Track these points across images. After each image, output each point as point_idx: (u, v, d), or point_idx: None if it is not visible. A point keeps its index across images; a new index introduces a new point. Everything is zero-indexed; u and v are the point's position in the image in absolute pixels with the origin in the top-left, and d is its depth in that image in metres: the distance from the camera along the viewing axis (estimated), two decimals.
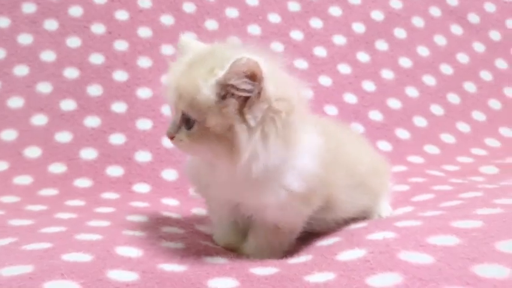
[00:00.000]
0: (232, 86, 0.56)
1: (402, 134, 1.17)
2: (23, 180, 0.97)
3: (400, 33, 1.32)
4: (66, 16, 1.18)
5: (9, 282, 0.48)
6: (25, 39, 1.15)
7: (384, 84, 1.25)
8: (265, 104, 0.57)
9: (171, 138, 0.61)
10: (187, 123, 0.60)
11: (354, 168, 0.71)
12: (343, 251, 0.58)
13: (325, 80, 1.22)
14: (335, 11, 1.31)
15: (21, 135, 1.03)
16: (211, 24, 1.24)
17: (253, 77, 0.56)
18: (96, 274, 0.51)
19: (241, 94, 0.56)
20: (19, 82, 1.10)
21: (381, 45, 1.30)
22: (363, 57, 1.27)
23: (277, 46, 1.24)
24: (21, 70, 1.11)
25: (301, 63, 1.23)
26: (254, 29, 1.25)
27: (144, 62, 1.17)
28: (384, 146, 1.14)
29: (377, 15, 1.32)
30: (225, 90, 0.57)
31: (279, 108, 0.58)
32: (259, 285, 0.52)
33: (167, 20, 1.23)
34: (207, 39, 1.18)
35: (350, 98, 1.21)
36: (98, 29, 1.19)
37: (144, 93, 1.12)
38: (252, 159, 0.58)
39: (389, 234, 0.61)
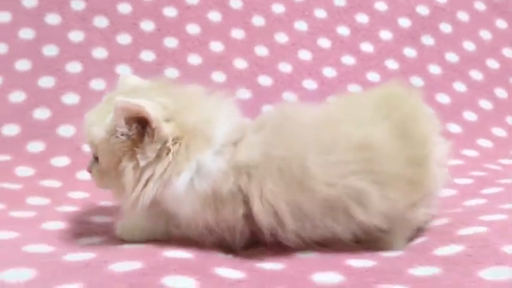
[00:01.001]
0: (116, 128, 0.59)
1: (454, 128, 1.17)
2: None
3: (445, 27, 1.31)
4: (115, 13, 1.19)
5: (127, 278, 0.48)
6: (76, 36, 1.16)
7: (432, 79, 1.25)
8: (159, 143, 0.59)
9: (90, 172, 0.66)
10: (95, 159, 0.64)
11: (320, 190, 0.59)
12: (438, 247, 0.58)
13: (373, 76, 1.22)
14: (380, 5, 1.30)
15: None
16: (258, 21, 1.24)
17: (133, 120, 0.58)
18: (205, 270, 0.51)
19: (121, 137, 0.59)
20: (73, 79, 1.10)
21: (427, 40, 1.29)
22: (409, 52, 1.27)
23: (324, 42, 1.24)
24: (74, 67, 1.11)
25: (349, 59, 1.23)
26: (301, 25, 1.25)
27: (194, 59, 1.17)
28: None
29: (422, 10, 1.32)
30: (113, 131, 0.59)
31: (173, 146, 0.60)
32: (362, 278, 0.52)
33: (215, 16, 1.23)
34: (254, 35, 1.21)
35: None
36: (147, 26, 1.19)
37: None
38: (139, 196, 0.59)
39: (480, 229, 0.61)
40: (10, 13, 1.14)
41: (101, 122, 0.61)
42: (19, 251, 0.58)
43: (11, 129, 1.02)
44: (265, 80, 1.17)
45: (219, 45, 1.19)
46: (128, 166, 0.59)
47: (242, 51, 1.19)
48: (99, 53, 1.14)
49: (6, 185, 0.86)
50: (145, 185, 0.59)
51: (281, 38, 1.23)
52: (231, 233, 0.61)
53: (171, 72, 1.14)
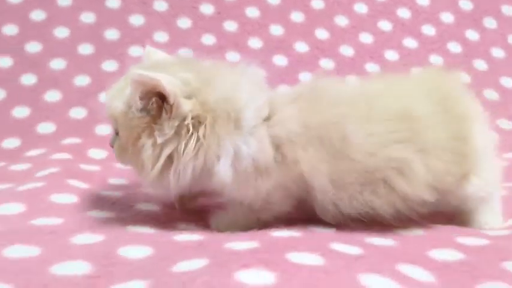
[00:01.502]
0: (134, 102, 0.57)
1: None
2: None
3: (507, 10, 1.28)
4: None
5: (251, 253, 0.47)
6: (137, 20, 1.15)
7: (496, 62, 1.21)
8: (177, 120, 0.57)
9: (112, 146, 0.64)
10: (116, 134, 0.62)
11: (361, 159, 0.58)
12: None
13: (436, 59, 1.19)
14: None
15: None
16: (317, 4, 1.21)
17: (152, 94, 0.56)
18: (324, 246, 0.50)
19: (138, 111, 0.57)
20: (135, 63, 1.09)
21: (489, 22, 1.26)
22: (472, 35, 1.24)
23: (385, 25, 1.22)
24: (135, 51, 1.11)
25: (411, 42, 1.20)
26: (360, 8, 1.23)
27: (255, 43, 1.16)
28: (504, 124, 1.11)
29: None
30: (131, 105, 0.57)
31: (194, 124, 0.57)
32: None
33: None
34: (314, 18, 1.19)
35: (463, 78, 1.18)
36: (207, 9, 1.18)
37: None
38: (162, 175, 0.58)
39: None
40: None
41: (120, 95, 0.59)
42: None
43: (79, 112, 1.03)
44: (327, 63, 1.14)
45: (279, 29, 1.17)
46: (147, 143, 0.57)
47: (302, 34, 1.17)
48: (160, 36, 1.13)
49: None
50: (171, 163, 0.57)
51: (341, 21, 1.20)
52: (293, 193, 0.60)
53: (232, 56, 1.13)
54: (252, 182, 0.59)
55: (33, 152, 0.92)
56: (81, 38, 1.11)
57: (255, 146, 0.58)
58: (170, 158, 0.58)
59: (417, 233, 0.60)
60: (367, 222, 0.60)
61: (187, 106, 0.57)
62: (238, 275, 0.42)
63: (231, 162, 0.58)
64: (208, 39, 1.14)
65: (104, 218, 0.61)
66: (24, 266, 0.45)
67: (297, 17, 1.19)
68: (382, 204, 0.59)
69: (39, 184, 0.69)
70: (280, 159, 0.59)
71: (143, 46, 1.13)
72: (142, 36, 1.12)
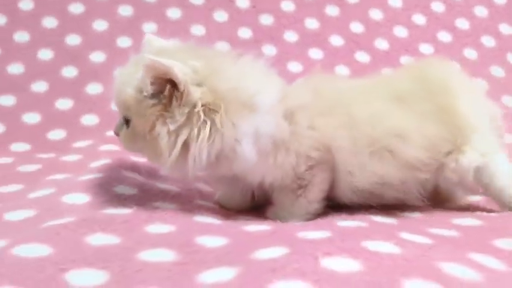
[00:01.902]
0: (146, 88, 0.57)
1: None
2: None
3: None
4: None
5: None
6: (174, 13, 1.16)
7: None
8: (187, 107, 0.57)
9: (117, 135, 0.64)
10: (125, 122, 0.62)
11: (363, 129, 0.64)
12: None
13: (470, 53, 1.20)
14: None
15: None
16: None
17: (163, 81, 0.57)
18: (395, 235, 0.51)
19: (149, 98, 0.58)
20: None
21: None
22: (505, 29, 1.24)
23: (419, 18, 1.22)
24: None
25: (445, 36, 1.21)
26: (395, 1, 1.23)
27: (291, 36, 1.17)
28: None
29: None
30: (143, 91, 0.58)
31: (205, 110, 0.58)
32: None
33: None
34: (349, 12, 1.19)
35: (496, 71, 1.19)
36: (243, 3, 1.19)
37: (295, 67, 1.13)
38: (181, 160, 0.58)
39: None
40: None
41: (130, 80, 0.60)
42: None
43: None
44: (362, 57, 1.16)
45: (315, 22, 1.18)
46: (162, 131, 0.58)
47: (338, 27, 1.18)
48: (197, 30, 1.15)
49: None
50: (186, 149, 0.58)
51: (376, 14, 1.21)
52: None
53: (269, 50, 1.14)
54: (272, 159, 0.62)
55: (80, 144, 0.94)
56: (119, 31, 1.13)
57: (272, 124, 0.61)
58: (186, 144, 0.59)
59: (475, 222, 0.62)
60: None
61: (196, 94, 0.58)
62: (324, 262, 0.43)
63: (253, 142, 0.60)
64: (245, 33, 1.16)
65: (169, 209, 0.63)
66: (112, 253, 0.47)
67: (332, 10, 1.20)
68: (388, 171, 0.64)
69: (98, 175, 0.71)
70: (295, 129, 0.62)
71: (180, 39, 1.16)
72: (179, 30, 1.14)
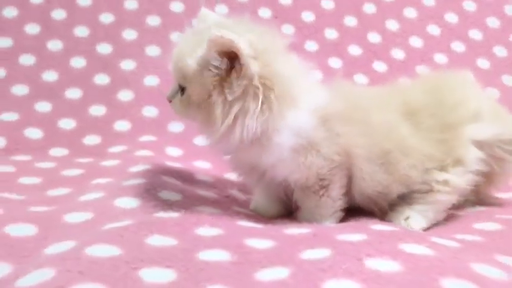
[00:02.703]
0: (208, 61, 0.61)
1: None
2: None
3: None
4: (234, 0, 1.24)
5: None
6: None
7: None
8: (245, 80, 0.61)
9: (169, 102, 0.68)
10: (181, 89, 0.65)
11: (377, 140, 0.68)
12: None
13: (483, 63, 1.24)
14: None
15: None
16: (369, 8, 1.27)
17: (224, 54, 0.61)
18: (425, 239, 0.56)
19: (214, 70, 0.61)
20: None
21: None
22: None
23: (434, 29, 1.27)
24: None
25: (459, 46, 1.26)
26: (410, 12, 1.28)
27: (311, 46, 1.21)
28: None
29: None
30: (205, 64, 0.61)
31: (260, 85, 0.62)
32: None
33: (328, 4, 1.26)
34: (367, 23, 1.24)
35: (508, 81, 1.24)
36: (265, 13, 1.24)
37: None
38: (230, 131, 0.62)
39: None
40: None
41: (192, 52, 0.62)
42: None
43: (151, 111, 1.09)
44: (379, 66, 1.20)
45: (334, 32, 1.23)
46: (217, 100, 0.62)
47: (356, 38, 1.23)
48: None
49: None
50: (236, 121, 0.62)
51: (392, 25, 1.26)
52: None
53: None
54: (303, 158, 0.65)
55: (115, 149, 0.99)
56: (148, 40, 1.18)
57: (312, 125, 0.65)
58: (236, 116, 0.62)
59: (496, 227, 0.67)
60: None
61: (255, 67, 0.61)
62: (368, 263, 0.48)
63: (290, 136, 0.64)
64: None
65: (214, 213, 0.68)
66: (173, 253, 0.52)
67: (350, 21, 1.25)
68: (389, 183, 0.69)
69: (140, 181, 0.76)
70: (326, 135, 0.66)
71: None
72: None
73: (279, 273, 0.48)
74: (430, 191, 0.70)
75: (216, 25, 0.65)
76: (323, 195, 0.69)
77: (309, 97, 0.66)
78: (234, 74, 0.61)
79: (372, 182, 0.68)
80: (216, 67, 0.61)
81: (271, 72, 0.63)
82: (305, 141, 0.65)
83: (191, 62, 0.62)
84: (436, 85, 0.76)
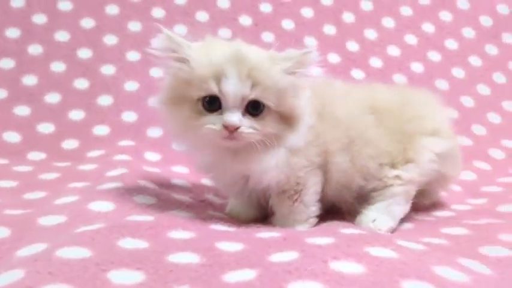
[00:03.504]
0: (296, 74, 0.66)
1: None
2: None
3: None
4: (215, 8, 1.26)
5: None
6: (180, 29, 1.21)
7: None
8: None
9: (236, 129, 0.63)
10: (255, 109, 0.64)
11: (343, 130, 0.72)
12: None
13: (458, 72, 1.27)
14: (463, 4, 1.36)
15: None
16: (348, 17, 1.29)
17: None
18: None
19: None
20: None
21: (508, 38, 1.34)
22: (491, 49, 1.32)
23: (411, 38, 1.30)
24: None
25: (435, 56, 1.29)
26: (388, 22, 1.31)
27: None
28: None
29: (502, 9, 1.37)
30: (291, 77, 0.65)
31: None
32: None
33: (307, 12, 1.29)
34: (345, 31, 1.27)
35: (482, 90, 1.27)
36: (246, 21, 1.26)
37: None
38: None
39: None
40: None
41: (279, 72, 0.64)
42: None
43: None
44: (358, 74, 1.23)
45: (313, 41, 1.25)
46: (300, 107, 0.67)
47: (335, 46, 1.26)
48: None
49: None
50: None
51: (370, 34, 1.29)
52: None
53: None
54: (288, 160, 0.67)
55: (93, 153, 1.00)
56: (128, 46, 1.19)
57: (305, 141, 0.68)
58: None
59: (462, 232, 0.69)
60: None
61: None
62: (333, 265, 0.49)
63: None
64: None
65: (187, 217, 0.69)
66: (144, 255, 0.53)
67: (329, 30, 1.27)
68: (354, 172, 0.72)
69: (117, 185, 0.77)
70: (311, 138, 0.68)
71: None
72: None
73: (246, 275, 0.49)
74: (385, 186, 0.73)
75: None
76: (296, 200, 0.70)
77: (307, 121, 0.68)
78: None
79: (338, 172, 0.71)
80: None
81: None
82: (304, 140, 0.68)
83: (281, 78, 0.65)
84: (404, 95, 0.80)
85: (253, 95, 0.63)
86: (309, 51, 0.67)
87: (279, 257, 0.53)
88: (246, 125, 0.64)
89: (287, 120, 0.66)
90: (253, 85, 0.63)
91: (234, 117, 0.63)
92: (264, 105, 0.64)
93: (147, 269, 0.50)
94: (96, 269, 0.49)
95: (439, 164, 0.76)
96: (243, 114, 0.64)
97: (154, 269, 0.50)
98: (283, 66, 0.65)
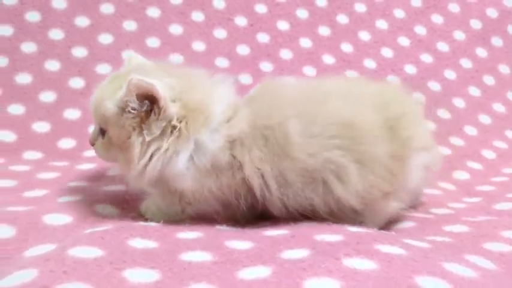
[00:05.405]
0: (127, 104, 0.63)
1: None
2: None
3: None
4: (211, 8, 1.25)
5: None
6: (176, 29, 1.21)
7: (502, 78, 1.33)
8: (164, 122, 0.64)
9: (92, 145, 0.70)
10: (101, 133, 0.68)
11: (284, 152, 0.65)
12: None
13: (450, 74, 1.29)
14: (454, 7, 1.38)
15: None
16: (342, 19, 1.31)
17: (143, 97, 0.63)
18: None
19: (132, 111, 0.63)
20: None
21: (497, 41, 1.37)
22: (481, 52, 1.35)
23: (404, 40, 1.32)
24: (173, 59, 1.18)
25: (427, 57, 1.30)
26: (382, 24, 1.32)
27: (286, 54, 1.24)
28: None
29: (492, 13, 1.40)
30: (124, 106, 0.63)
31: (179, 124, 0.64)
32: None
33: (302, 13, 1.30)
34: (340, 33, 1.28)
35: (473, 91, 1.29)
36: (241, 21, 1.26)
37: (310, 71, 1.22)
38: (145, 169, 0.64)
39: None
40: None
41: (112, 96, 0.64)
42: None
43: None
44: (352, 75, 1.24)
45: (308, 41, 1.26)
46: (136, 141, 0.63)
47: (329, 47, 1.27)
48: (198, 46, 1.21)
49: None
50: (150, 159, 0.63)
51: (364, 36, 1.30)
52: (236, 197, 0.66)
53: (266, 66, 1.21)
54: (207, 179, 0.65)
55: (90, 153, 0.98)
56: (124, 45, 1.18)
57: (218, 144, 0.65)
58: (152, 155, 0.64)
59: (464, 229, 0.70)
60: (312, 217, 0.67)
61: (173, 109, 0.64)
62: (346, 262, 0.50)
63: (189, 157, 0.65)
64: (243, 50, 1.22)
65: (192, 220, 0.69)
66: (156, 254, 0.53)
67: (324, 31, 1.29)
68: (320, 202, 0.66)
69: (117, 187, 0.77)
70: (231, 161, 0.66)
71: (182, 54, 1.22)
72: (181, 45, 1.20)
73: (261, 272, 0.50)
74: None
75: (136, 69, 0.68)
76: (184, 207, 0.69)
77: (217, 116, 0.66)
78: (153, 116, 0.63)
79: (296, 200, 0.67)
80: (135, 109, 0.63)
81: (188, 109, 0.65)
82: (209, 161, 0.65)
83: (111, 105, 0.64)
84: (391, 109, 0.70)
85: (94, 117, 0.68)
86: (131, 80, 0.62)
87: (291, 254, 0.54)
88: (96, 144, 0.69)
89: (124, 151, 0.65)
90: (93, 108, 0.67)
91: (91, 135, 0.70)
92: (103, 129, 0.67)
93: (161, 268, 0.50)
94: (111, 268, 0.48)
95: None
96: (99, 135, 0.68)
97: (168, 267, 0.50)
98: (117, 93, 0.64)
